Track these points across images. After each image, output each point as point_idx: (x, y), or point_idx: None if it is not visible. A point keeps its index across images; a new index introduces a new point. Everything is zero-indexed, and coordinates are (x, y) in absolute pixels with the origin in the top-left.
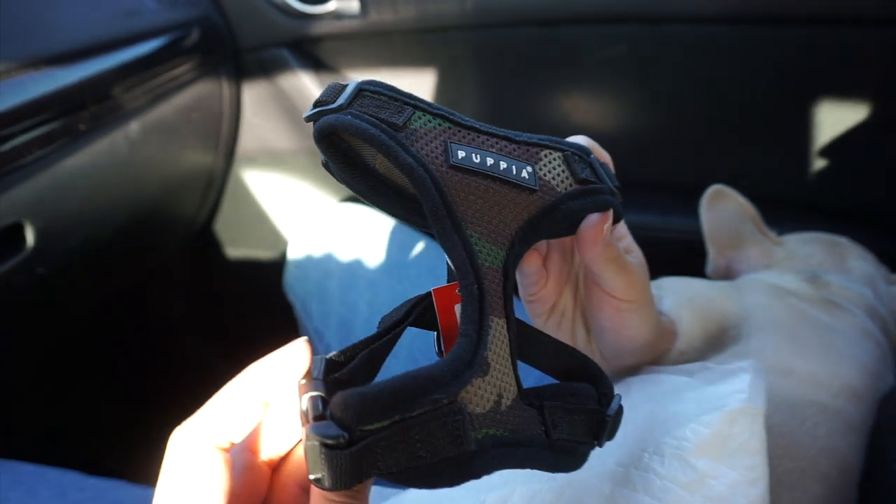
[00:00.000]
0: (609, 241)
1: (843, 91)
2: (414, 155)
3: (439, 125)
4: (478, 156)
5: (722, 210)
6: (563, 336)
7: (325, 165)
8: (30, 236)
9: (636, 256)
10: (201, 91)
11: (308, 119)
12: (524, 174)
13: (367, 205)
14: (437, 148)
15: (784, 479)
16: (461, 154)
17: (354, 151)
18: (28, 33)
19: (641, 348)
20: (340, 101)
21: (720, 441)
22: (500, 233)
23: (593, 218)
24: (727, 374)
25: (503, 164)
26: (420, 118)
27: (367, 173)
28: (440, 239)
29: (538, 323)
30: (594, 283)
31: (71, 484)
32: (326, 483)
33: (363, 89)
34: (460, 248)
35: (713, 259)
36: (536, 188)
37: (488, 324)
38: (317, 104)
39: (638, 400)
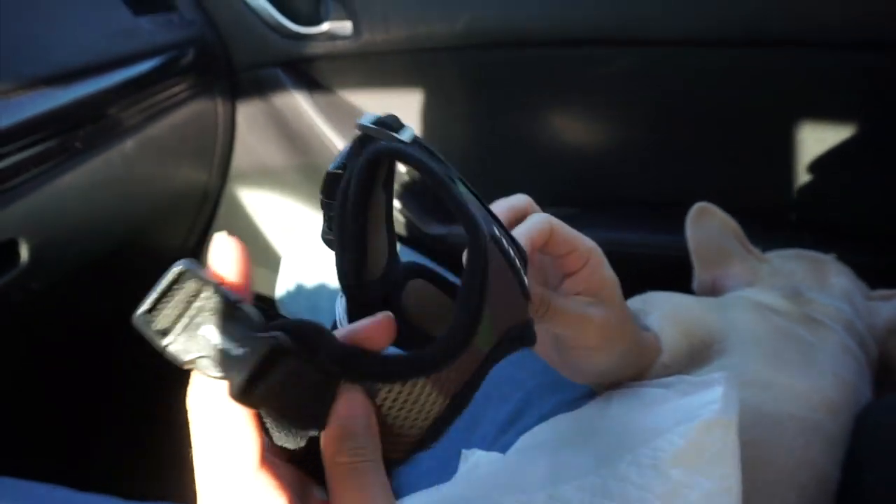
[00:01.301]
0: (547, 301)
1: (825, 111)
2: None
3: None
4: (507, 241)
5: (707, 227)
6: (538, 347)
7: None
8: (24, 252)
9: (603, 292)
10: (196, 110)
11: (367, 131)
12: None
13: None
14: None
15: (762, 490)
16: (496, 231)
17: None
18: (24, 54)
19: (611, 376)
20: (406, 135)
21: (695, 451)
22: (499, 322)
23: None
24: (701, 386)
25: (518, 262)
26: (460, 185)
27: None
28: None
29: None
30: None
31: (61, 498)
32: (234, 387)
33: (418, 138)
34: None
35: (699, 275)
36: (530, 296)
37: None
38: (381, 124)
39: (617, 411)
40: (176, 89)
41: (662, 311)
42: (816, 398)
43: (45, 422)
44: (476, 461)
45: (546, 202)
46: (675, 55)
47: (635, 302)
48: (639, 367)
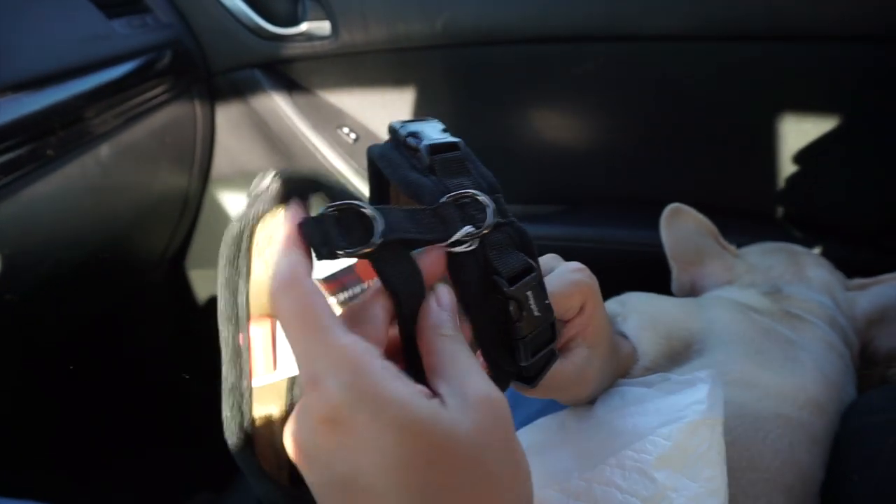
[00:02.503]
0: None
1: (808, 106)
2: None
3: None
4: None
5: (681, 228)
6: None
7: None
8: None
9: (598, 340)
10: (174, 113)
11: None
12: None
13: None
14: None
15: (748, 491)
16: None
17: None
18: None
19: (590, 395)
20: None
21: (680, 453)
22: None
23: None
24: (685, 385)
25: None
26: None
27: None
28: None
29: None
30: None
31: None
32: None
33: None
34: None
35: (677, 277)
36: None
37: None
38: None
39: (600, 412)
40: (152, 93)
41: (640, 315)
42: (801, 397)
43: (23, 435)
44: None
45: (528, 200)
46: (655, 51)
47: (613, 304)
48: (615, 377)
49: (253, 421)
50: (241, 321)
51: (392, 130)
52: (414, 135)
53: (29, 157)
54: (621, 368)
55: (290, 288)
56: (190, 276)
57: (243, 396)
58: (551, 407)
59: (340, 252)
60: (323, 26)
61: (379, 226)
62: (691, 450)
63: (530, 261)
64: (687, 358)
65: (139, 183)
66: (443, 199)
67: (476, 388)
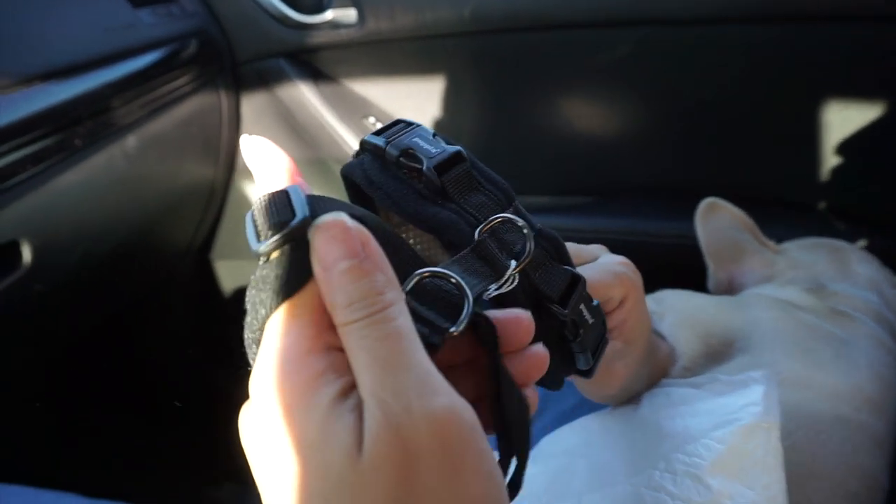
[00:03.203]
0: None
1: (852, 90)
2: None
3: None
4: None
5: (717, 223)
6: None
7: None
8: (27, 254)
9: (631, 334)
10: (199, 103)
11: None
12: None
13: None
14: None
15: (813, 499)
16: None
17: None
18: (20, 49)
19: (625, 398)
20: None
21: (735, 458)
22: None
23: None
24: (738, 385)
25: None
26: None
27: None
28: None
29: None
30: None
31: None
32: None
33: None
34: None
35: (714, 274)
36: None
37: None
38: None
39: (646, 413)
40: (178, 83)
41: (677, 313)
42: (858, 397)
43: (53, 424)
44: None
45: (558, 190)
46: (689, 35)
47: (648, 302)
48: (654, 380)
49: None
50: None
51: (373, 148)
52: (408, 153)
53: (57, 147)
54: (659, 370)
55: None
56: (215, 267)
57: None
58: (584, 405)
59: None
60: (349, 14)
61: (468, 305)
62: (747, 455)
63: (571, 269)
64: (728, 357)
65: (165, 174)
66: (479, 235)
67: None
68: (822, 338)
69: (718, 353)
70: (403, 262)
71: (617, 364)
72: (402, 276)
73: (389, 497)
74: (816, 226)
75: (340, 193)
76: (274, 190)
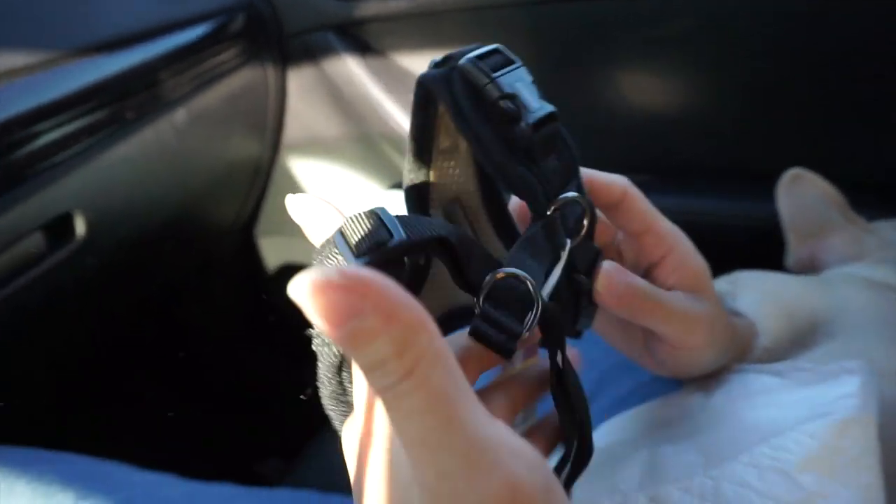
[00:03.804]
0: (633, 296)
1: None
2: None
3: None
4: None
5: (802, 196)
6: (615, 340)
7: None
8: (80, 226)
9: (700, 284)
10: (246, 78)
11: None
12: None
13: None
14: None
15: None
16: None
17: None
18: (72, 21)
19: (707, 368)
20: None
21: (828, 455)
22: None
23: (601, 272)
24: (829, 376)
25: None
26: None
27: None
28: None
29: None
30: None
31: (122, 478)
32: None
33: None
34: None
35: (794, 250)
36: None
37: None
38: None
39: (720, 402)
40: (225, 56)
41: (756, 292)
42: None
43: (101, 396)
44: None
45: (619, 167)
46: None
47: (721, 283)
48: (732, 359)
49: None
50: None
51: (473, 78)
52: (511, 97)
53: (109, 119)
54: (739, 347)
55: None
56: (260, 244)
57: None
58: (642, 389)
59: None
60: None
61: (538, 305)
62: (841, 452)
63: (598, 248)
64: (813, 342)
65: (212, 149)
66: (551, 211)
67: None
68: None
69: (802, 337)
70: (477, 262)
71: (697, 308)
72: (478, 279)
73: None
74: None
75: (386, 170)
76: (361, 211)
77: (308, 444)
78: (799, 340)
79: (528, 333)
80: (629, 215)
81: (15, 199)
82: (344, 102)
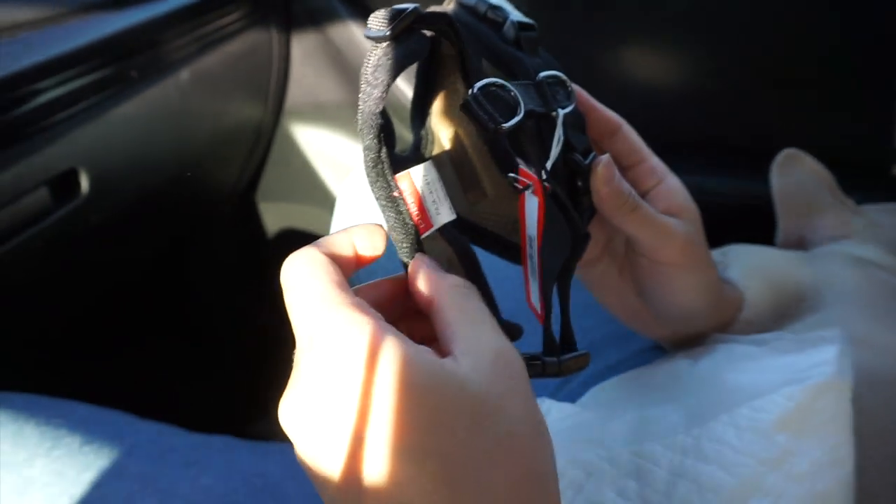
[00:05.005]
0: (620, 193)
1: None
2: None
3: None
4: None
5: (794, 176)
6: (609, 297)
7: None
8: (84, 183)
9: (685, 214)
10: (250, 41)
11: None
12: None
13: None
14: None
15: (879, 465)
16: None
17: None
18: None
19: (694, 315)
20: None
21: (803, 416)
22: None
23: (597, 165)
24: (808, 344)
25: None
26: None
27: None
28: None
29: (584, 283)
30: (630, 243)
31: (126, 426)
32: None
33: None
34: None
35: (783, 227)
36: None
37: None
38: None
39: (705, 368)
40: (229, 18)
41: (745, 264)
42: None
43: (104, 348)
44: (547, 409)
45: None
46: None
47: (714, 255)
48: (718, 321)
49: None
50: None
51: (466, 2)
52: (495, 8)
53: (114, 77)
54: (725, 313)
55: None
56: (260, 209)
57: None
58: (633, 359)
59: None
60: None
61: (522, 105)
62: (816, 413)
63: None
64: (797, 314)
65: (215, 111)
66: (540, 77)
67: (488, 342)
68: None
69: (787, 309)
70: (476, 61)
71: (675, 223)
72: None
73: None
74: (892, 192)
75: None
76: None
77: None
78: (784, 312)
79: (505, 127)
80: (625, 145)
81: (20, 155)
82: (348, 69)
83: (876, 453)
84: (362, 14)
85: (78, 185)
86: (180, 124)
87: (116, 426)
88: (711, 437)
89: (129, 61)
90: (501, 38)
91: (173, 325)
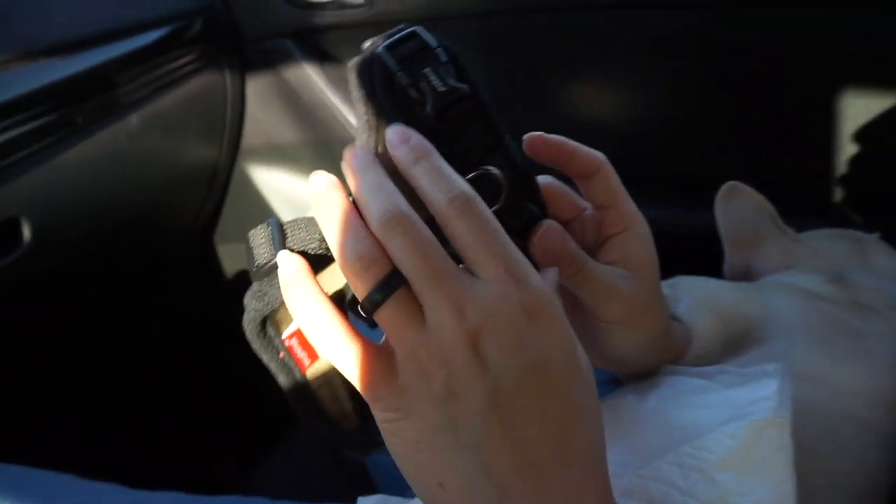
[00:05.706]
0: (580, 263)
1: (871, 80)
2: None
3: None
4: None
5: (738, 207)
6: None
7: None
8: (27, 232)
9: (640, 269)
10: (204, 83)
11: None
12: None
13: None
14: None
15: (816, 496)
16: None
17: None
18: (23, 23)
19: (639, 362)
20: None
21: (745, 454)
22: None
23: (546, 231)
24: (750, 378)
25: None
26: None
27: None
28: None
29: None
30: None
31: (62, 488)
32: None
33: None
34: None
35: (730, 259)
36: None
37: None
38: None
39: (653, 404)
40: (182, 61)
41: (693, 298)
42: (875, 395)
43: (53, 406)
44: None
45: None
46: (707, 18)
47: (663, 288)
48: (667, 360)
49: (313, 393)
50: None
51: (385, 66)
52: (417, 85)
53: (59, 123)
54: (672, 351)
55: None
56: (219, 251)
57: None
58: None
59: None
60: None
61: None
62: (757, 450)
63: (535, 209)
64: (745, 346)
65: (168, 153)
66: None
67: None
68: (841, 330)
69: (735, 342)
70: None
71: (621, 282)
72: None
73: None
74: (836, 218)
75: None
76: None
77: (268, 449)
78: (732, 345)
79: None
80: (601, 186)
81: None
82: (302, 109)
83: (812, 485)
84: (317, 57)
85: (21, 234)
86: (131, 168)
87: (50, 490)
88: (658, 478)
89: (76, 107)
90: (420, 123)
91: (129, 372)
